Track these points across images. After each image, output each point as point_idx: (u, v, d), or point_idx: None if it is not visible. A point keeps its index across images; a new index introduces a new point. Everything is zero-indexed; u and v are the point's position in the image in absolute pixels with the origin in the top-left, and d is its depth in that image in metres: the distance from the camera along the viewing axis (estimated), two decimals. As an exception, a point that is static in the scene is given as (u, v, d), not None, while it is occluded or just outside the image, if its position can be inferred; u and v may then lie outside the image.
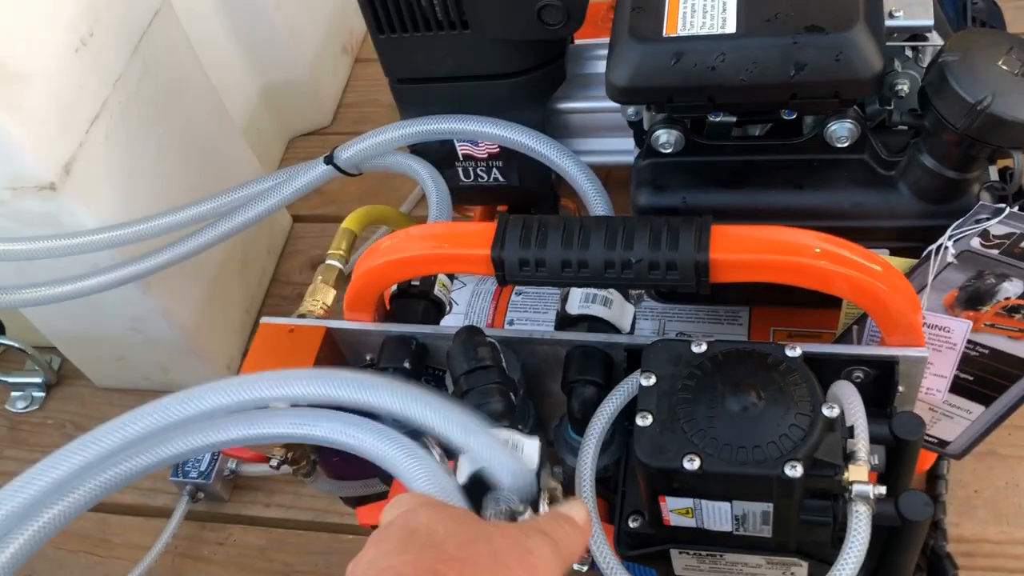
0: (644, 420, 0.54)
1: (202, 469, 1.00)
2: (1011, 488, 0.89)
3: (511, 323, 0.86)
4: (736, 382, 0.54)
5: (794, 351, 0.55)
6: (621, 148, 0.86)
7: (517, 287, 0.90)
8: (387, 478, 0.75)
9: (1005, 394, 0.68)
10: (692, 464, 0.52)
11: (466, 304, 0.87)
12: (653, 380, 0.56)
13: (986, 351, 0.65)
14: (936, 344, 0.65)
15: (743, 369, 0.55)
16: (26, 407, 1.16)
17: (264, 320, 0.73)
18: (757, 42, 0.58)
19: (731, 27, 0.59)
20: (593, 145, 0.87)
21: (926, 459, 0.81)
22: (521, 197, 0.92)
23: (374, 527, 0.72)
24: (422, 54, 0.80)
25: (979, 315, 0.63)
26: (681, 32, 0.60)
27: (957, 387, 0.68)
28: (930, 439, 0.73)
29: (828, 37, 0.57)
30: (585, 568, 0.80)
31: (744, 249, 0.58)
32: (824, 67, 0.57)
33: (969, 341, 0.65)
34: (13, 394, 1.17)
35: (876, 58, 0.57)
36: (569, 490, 0.67)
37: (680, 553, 0.61)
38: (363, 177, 1.15)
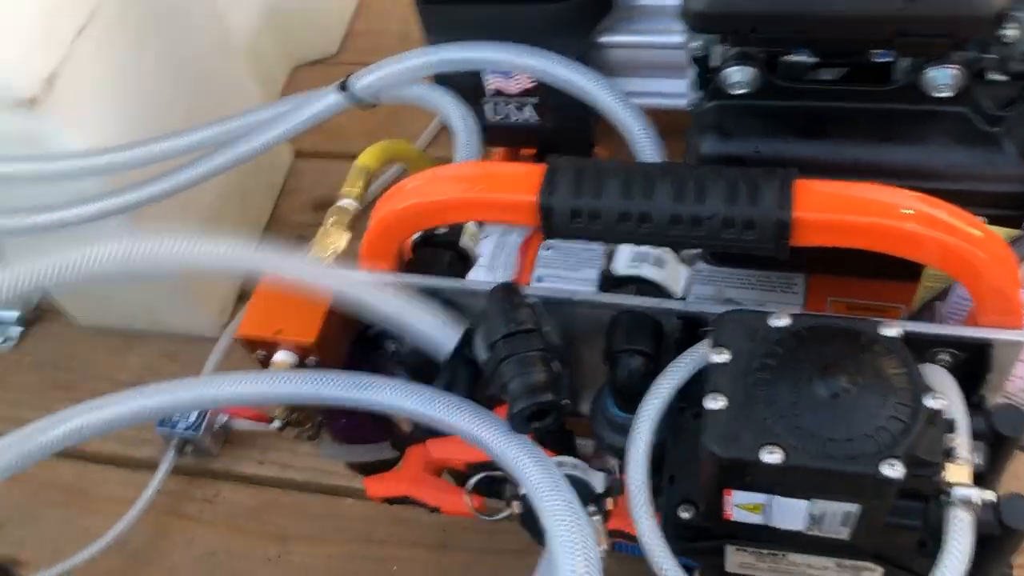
0: (716, 403, 0.47)
1: (191, 421, 0.92)
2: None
3: (539, 280, 0.78)
4: (825, 363, 0.47)
5: (892, 330, 0.48)
6: (670, 90, 0.77)
7: (547, 241, 0.82)
8: (399, 444, 0.68)
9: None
10: (773, 457, 0.44)
11: (489, 256, 0.79)
12: (727, 357, 0.48)
13: (1080, 336, 0.58)
14: (1029, 326, 0.57)
15: (832, 348, 0.47)
16: (1, 344, 1.08)
17: (269, 264, 0.64)
18: (866, -34, 0.50)
19: (835, -53, 0.50)
20: (637, 85, 0.78)
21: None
22: (553, 140, 0.83)
23: (385, 500, 0.65)
24: (455, -29, 0.71)
25: (1081, 296, 0.56)
26: (775, -50, 0.51)
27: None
28: None
29: (950, -36, 0.49)
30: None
31: (833, 208, 0.50)
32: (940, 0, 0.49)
33: (1063, 324, 0.57)
34: (-13, 330, 1.09)
35: (1003, -8, 0.49)
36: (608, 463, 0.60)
37: (737, 550, 0.54)
38: (370, 111, 1.06)
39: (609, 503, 0.57)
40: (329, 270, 0.55)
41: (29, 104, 0.73)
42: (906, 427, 0.44)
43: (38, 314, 1.10)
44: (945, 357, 0.54)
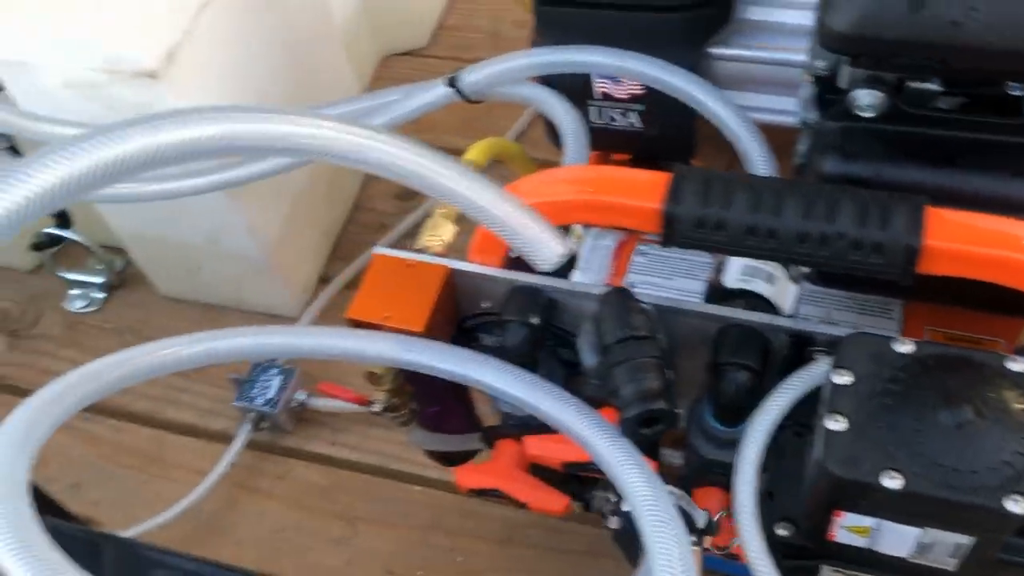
0: (837, 424, 0.47)
1: (269, 396, 0.94)
2: None
3: (632, 286, 0.78)
4: (950, 392, 0.46)
5: (1018, 365, 0.47)
6: (777, 106, 0.77)
7: (640, 247, 0.82)
8: (489, 437, 0.69)
9: None
10: (893, 482, 0.44)
11: (582, 260, 0.80)
12: (849, 379, 0.48)
13: None
14: None
15: (956, 378, 0.47)
16: (85, 307, 1.11)
17: (377, 250, 0.65)
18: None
19: (988, -23, 0.50)
20: (745, 99, 0.78)
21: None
22: (653, 147, 0.83)
23: (473, 492, 0.66)
24: (576, -26, 0.71)
25: None
26: (925, -23, 0.51)
27: None
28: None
29: (1109, 0, 0.48)
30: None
31: (964, 239, 0.50)
32: (1094, 37, 0.49)
33: None
34: (71, 292, 1.11)
35: None
36: (698, 481, 0.60)
37: (833, 571, 0.54)
38: (464, 105, 1.06)
39: (707, 541, 0.56)
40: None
41: (150, 76, 0.75)
42: (1032, 463, 0.44)
43: (122, 280, 1.12)
44: (1059, 397, 0.53)
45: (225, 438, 0.96)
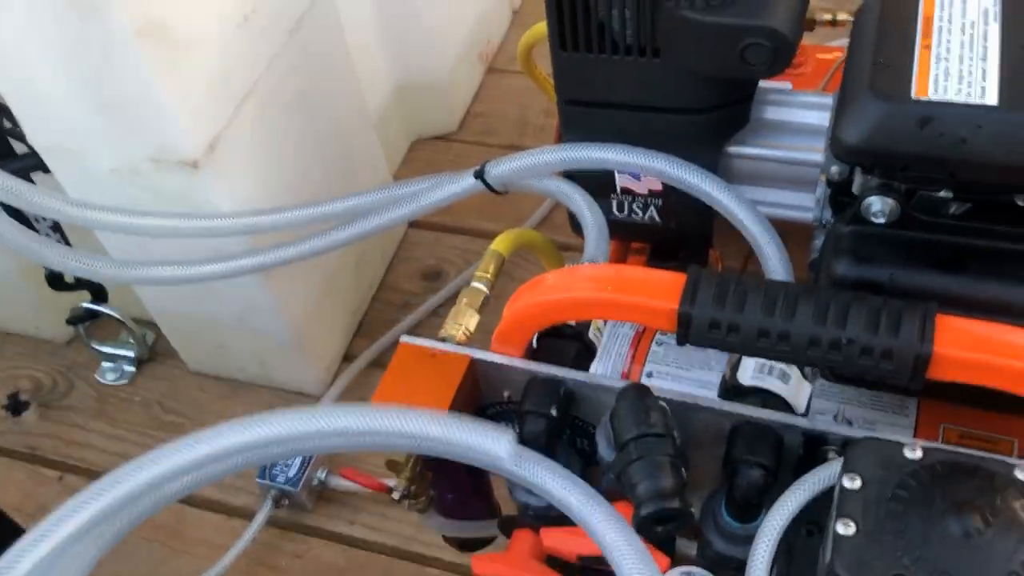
0: (847, 528, 0.47)
1: (290, 475, 0.95)
2: None
3: (649, 375, 0.79)
4: (958, 500, 0.47)
5: (1027, 473, 0.48)
6: (793, 202, 0.79)
7: (659, 336, 0.83)
8: (506, 526, 0.70)
9: None
10: (902, 588, 0.45)
11: (603, 346, 0.81)
12: (859, 483, 0.49)
13: None
14: None
15: (966, 486, 0.48)
16: (116, 379, 1.13)
17: (404, 339, 0.67)
18: (1022, 118, 0.51)
19: (992, 99, 0.52)
20: (761, 195, 0.80)
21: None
22: (671, 239, 0.86)
23: (487, 579, 0.66)
24: (602, 78, 0.74)
25: None
26: (932, 96, 0.53)
27: None
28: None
29: (1111, 120, 0.50)
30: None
31: (974, 347, 0.51)
32: (1097, 155, 0.50)
33: None
34: (104, 364, 1.14)
35: None
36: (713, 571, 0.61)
37: (845, 676, 0.54)
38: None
39: None
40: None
41: (192, 165, 0.78)
42: (1039, 573, 0.45)
43: (152, 354, 1.15)
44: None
45: (246, 514, 0.97)
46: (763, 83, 0.81)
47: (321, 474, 0.96)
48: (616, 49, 0.72)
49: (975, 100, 0.52)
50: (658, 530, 0.53)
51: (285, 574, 0.94)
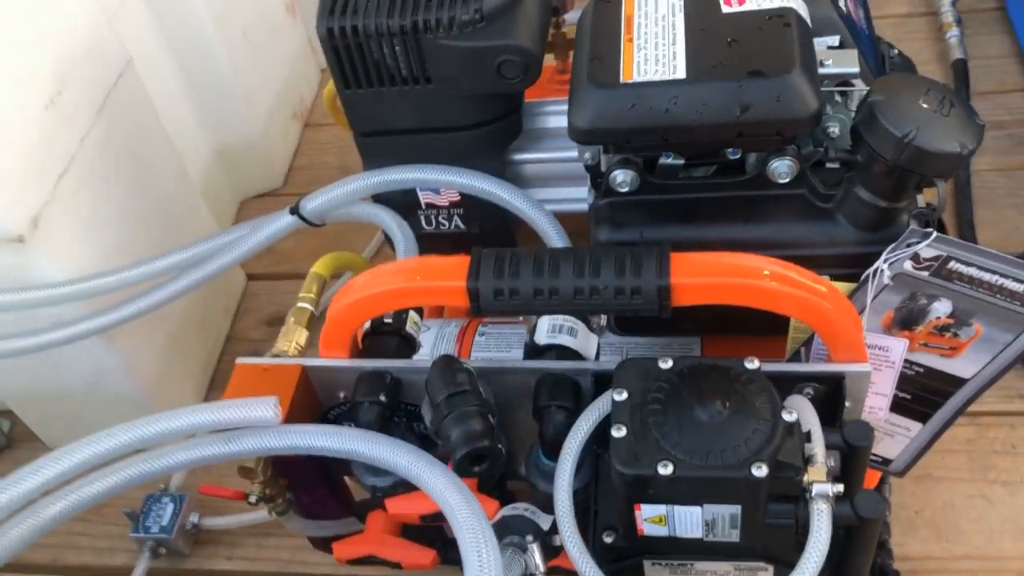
0: (619, 432, 0.58)
1: (163, 524, 0.99)
2: (948, 508, 0.94)
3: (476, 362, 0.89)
4: (702, 393, 0.58)
5: (753, 364, 0.60)
6: (573, 197, 0.91)
7: (480, 328, 0.93)
8: (361, 511, 0.77)
9: (940, 410, 0.74)
10: (666, 469, 0.55)
11: (431, 346, 0.90)
12: (625, 395, 0.59)
13: (921, 369, 0.71)
14: (876, 363, 0.70)
15: (707, 381, 0.59)
16: (-26, 471, 1.14)
17: (240, 360, 0.74)
18: (705, 87, 0.64)
19: (681, 73, 0.65)
20: (547, 194, 0.91)
21: (871, 477, 0.85)
22: (479, 245, 0.96)
23: (351, 560, 0.73)
24: (386, 108, 0.84)
25: (913, 335, 0.69)
26: (636, 78, 0.65)
27: (896, 406, 0.73)
28: (874, 458, 0.78)
29: (769, 80, 0.63)
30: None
31: (701, 273, 0.63)
32: (766, 107, 0.63)
33: (905, 361, 0.70)
34: (-39, 459, 1.15)
35: (812, 98, 0.63)
36: (545, 511, 0.70)
37: (653, 564, 0.64)
38: (316, 235, 1.17)
39: (556, 539, 0.66)
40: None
41: (18, 241, 0.83)
42: (768, 437, 0.56)
43: (10, 442, 1.16)
44: (809, 391, 0.66)
45: (126, 572, 1.00)
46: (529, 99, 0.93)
47: (194, 517, 1.01)
48: (393, 81, 0.82)
49: (669, 77, 0.65)
50: (476, 470, 0.62)
51: (171, 619, 0.98)
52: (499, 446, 0.62)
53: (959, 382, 0.71)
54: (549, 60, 1.04)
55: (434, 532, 0.76)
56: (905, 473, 0.79)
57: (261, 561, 1.01)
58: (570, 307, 0.64)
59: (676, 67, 0.65)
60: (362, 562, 0.73)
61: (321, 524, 0.80)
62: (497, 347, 0.90)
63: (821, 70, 0.69)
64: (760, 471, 0.55)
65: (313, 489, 0.77)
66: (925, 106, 0.63)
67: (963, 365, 0.70)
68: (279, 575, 0.99)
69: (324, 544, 0.83)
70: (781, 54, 0.64)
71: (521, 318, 0.85)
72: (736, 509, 0.57)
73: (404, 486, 0.70)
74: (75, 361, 0.97)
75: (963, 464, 0.97)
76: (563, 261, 0.64)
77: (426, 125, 0.85)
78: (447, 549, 0.75)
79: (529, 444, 0.72)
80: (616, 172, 0.71)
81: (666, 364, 0.60)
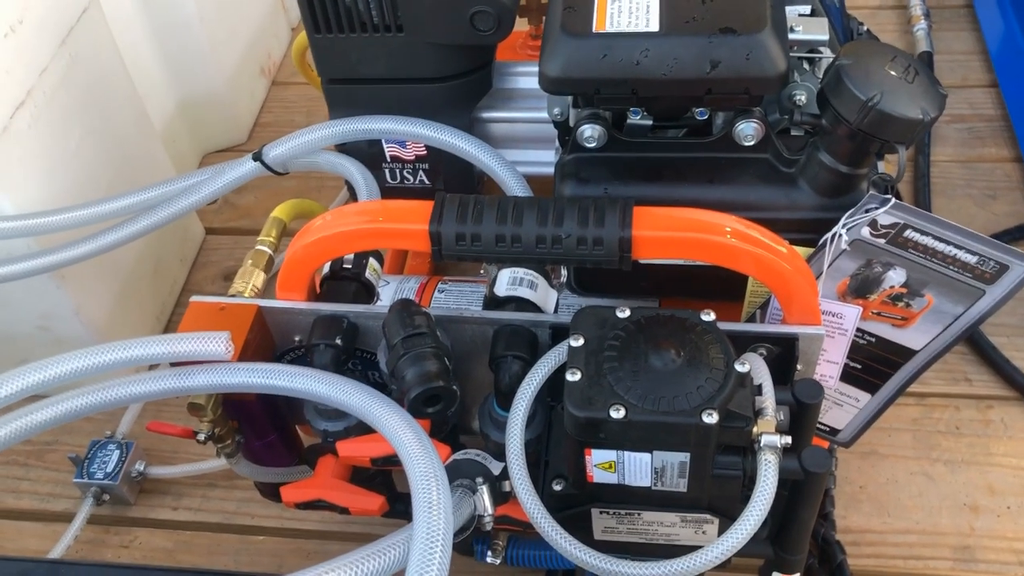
0: (574, 376, 0.58)
1: (108, 470, 0.98)
2: (891, 484, 0.96)
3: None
4: (657, 342, 0.59)
5: (708, 316, 0.60)
6: (540, 160, 0.91)
7: (440, 285, 0.93)
8: (311, 456, 0.76)
9: (888, 382, 0.75)
10: (618, 413, 0.56)
11: (389, 300, 0.90)
12: (582, 341, 0.59)
13: (873, 339, 0.72)
14: (830, 330, 0.71)
15: (663, 331, 0.60)
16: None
17: (194, 298, 0.73)
18: (677, 40, 0.64)
19: (654, 26, 0.65)
20: (513, 156, 0.91)
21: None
22: (443, 202, 0.95)
23: (299, 505, 0.73)
24: (356, 55, 0.83)
25: (867, 303, 0.70)
26: (609, 29, 0.65)
27: (846, 375, 0.74)
28: (822, 427, 0.79)
29: (740, 38, 0.63)
30: (498, 561, 0.83)
31: (664, 227, 0.63)
32: (736, 65, 0.64)
33: (858, 330, 0.71)
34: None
35: (781, 59, 0.64)
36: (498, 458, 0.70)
37: (600, 513, 0.64)
38: (277, 192, 1.16)
39: (506, 485, 0.66)
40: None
41: (-30, 170, 0.81)
42: (720, 386, 0.56)
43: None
44: (763, 351, 0.67)
45: (68, 518, 0.98)
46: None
47: (140, 466, 0.99)
48: (364, 27, 0.81)
49: (641, 29, 0.65)
50: (430, 411, 0.62)
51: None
52: (453, 387, 0.62)
53: (909, 353, 0.72)
54: (522, 25, 1.04)
55: (382, 485, 0.75)
56: (852, 444, 0.80)
57: (206, 512, 0.99)
58: (532, 256, 0.64)
59: (649, 20, 0.65)
60: (310, 506, 0.73)
61: (270, 471, 0.79)
62: (457, 303, 0.90)
63: (791, 35, 0.69)
64: (711, 418, 0.55)
65: (263, 434, 0.76)
66: (892, 73, 0.63)
67: (913, 336, 0.71)
68: (224, 526, 0.98)
69: (272, 491, 0.82)
70: (753, 14, 0.64)
71: (481, 271, 0.85)
72: (685, 457, 0.58)
73: (356, 431, 0.70)
74: (24, 302, 0.95)
75: (908, 442, 0.98)
76: (527, 209, 0.64)
77: (395, 75, 0.85)
78: (394, 502, 0.75)
79: (483, 397, 0.72)
80: (584, 127, 0.71)
81: (623, 313, 0.61)
